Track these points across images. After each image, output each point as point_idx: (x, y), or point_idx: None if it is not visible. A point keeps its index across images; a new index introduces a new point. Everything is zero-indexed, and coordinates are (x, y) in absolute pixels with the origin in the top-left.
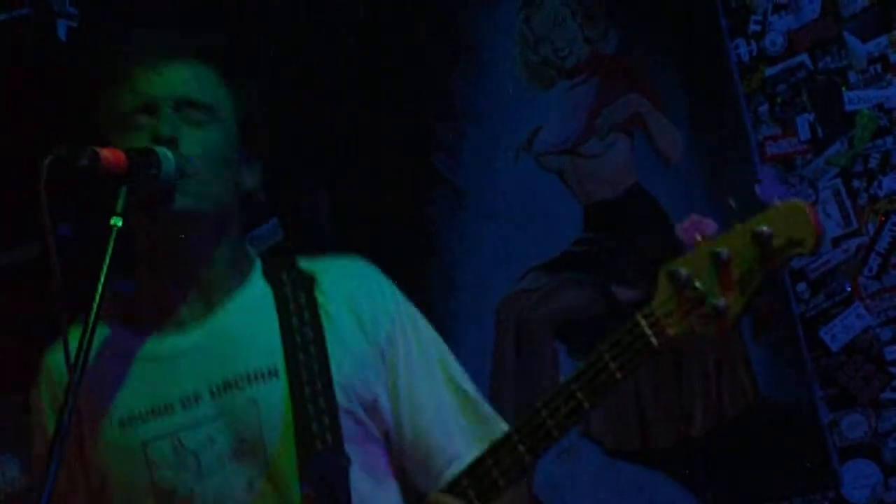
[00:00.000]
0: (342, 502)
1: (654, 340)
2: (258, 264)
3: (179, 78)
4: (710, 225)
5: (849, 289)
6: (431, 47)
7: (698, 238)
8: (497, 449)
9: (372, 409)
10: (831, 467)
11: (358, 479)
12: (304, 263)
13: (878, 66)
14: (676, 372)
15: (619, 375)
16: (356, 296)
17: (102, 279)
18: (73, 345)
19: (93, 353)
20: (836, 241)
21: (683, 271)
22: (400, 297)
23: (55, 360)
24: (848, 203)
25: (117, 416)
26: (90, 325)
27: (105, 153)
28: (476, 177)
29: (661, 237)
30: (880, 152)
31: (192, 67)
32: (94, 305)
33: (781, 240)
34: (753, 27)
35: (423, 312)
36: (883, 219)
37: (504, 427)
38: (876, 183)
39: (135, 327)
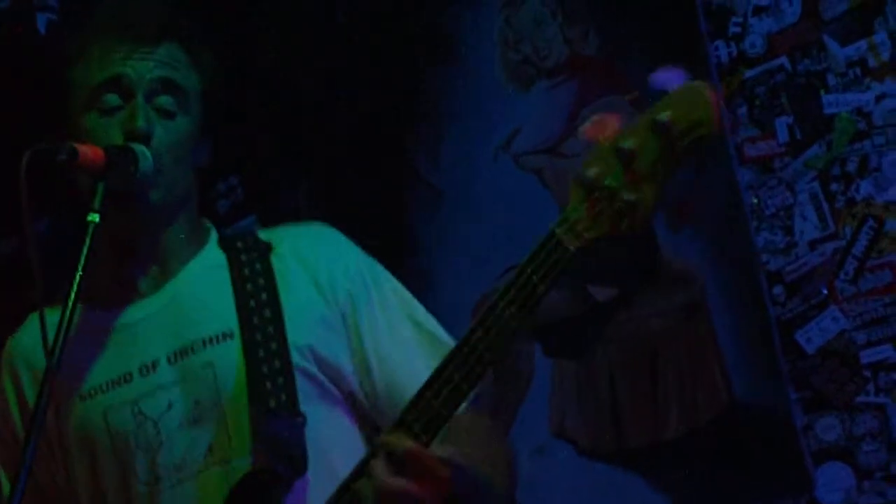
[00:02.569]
0: (297, 459)
1: (570, 246)
2: (213, 234)
3: (155, 61)
4: (613, 122)
5: (825, 292)
6: (410, 47)
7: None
8: (434, 379)
9: (334, 370)
10: (805, 470)
11: (320, 438)
12: (262, 233)
13: (858, 70)
14: (651, 373)
15: (541, 288)
16: (313, 259)
17: (79, 275)
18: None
19: (51, 333)
20: (813, 245)
21: (590, 172)
22: (360, 255)
23: (19, 346)
24: (825, 206)
25: (78, 389)
26: (66, 319)
27: (83, 149)
28: (455, 177)
29: (638, 238)
30: (858, 156)
31: (168, 49)
32: (70, 301)
33: (682, 124)
34: (733, 29)
35: None
36: (860, 223)
37: None
38: (854, 186)
39: (97, 305)
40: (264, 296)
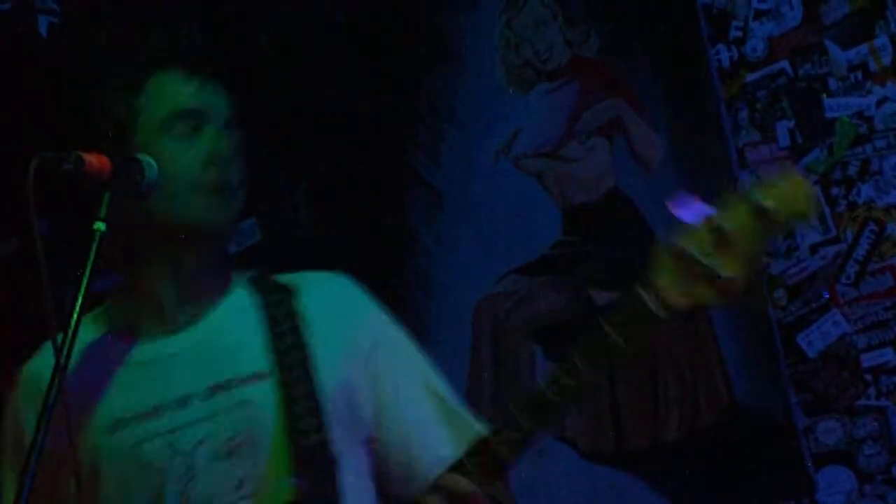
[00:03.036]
0: (332, 496)
1: (659, 313)
2: (240, 275)
3: (216, 92)
4: (700, 205)
5: (826, 296)
6: (411, 49)
7: (695, 217)
8: (500, 427)
9: (355, 414)
10: (806, 473)
11: (343, 478)
12: (283, 277)
13: (859, 74)
14: (652, 376)
15: (618, 344)
16: (336, 307)
17: (84, 284)
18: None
19: (81, 357)
20: (815, 248)
21: (684, 245)
22: (379, 309)
23: (34, 372)
24: (827, 210)
25: (108, 418)
26: (72, 330)
27: (89, 158)
28: (455, 179)
29: (639, 241)
30: (859, 160)
31: (217, 81)
32: (76, 311)
33: (783, 214)
34: (734, 33)
35: (401, 314)
36: (861, 226)
37: (481, 429)
38: (855, 190)
39: (123, 332)
40: (294, 338)
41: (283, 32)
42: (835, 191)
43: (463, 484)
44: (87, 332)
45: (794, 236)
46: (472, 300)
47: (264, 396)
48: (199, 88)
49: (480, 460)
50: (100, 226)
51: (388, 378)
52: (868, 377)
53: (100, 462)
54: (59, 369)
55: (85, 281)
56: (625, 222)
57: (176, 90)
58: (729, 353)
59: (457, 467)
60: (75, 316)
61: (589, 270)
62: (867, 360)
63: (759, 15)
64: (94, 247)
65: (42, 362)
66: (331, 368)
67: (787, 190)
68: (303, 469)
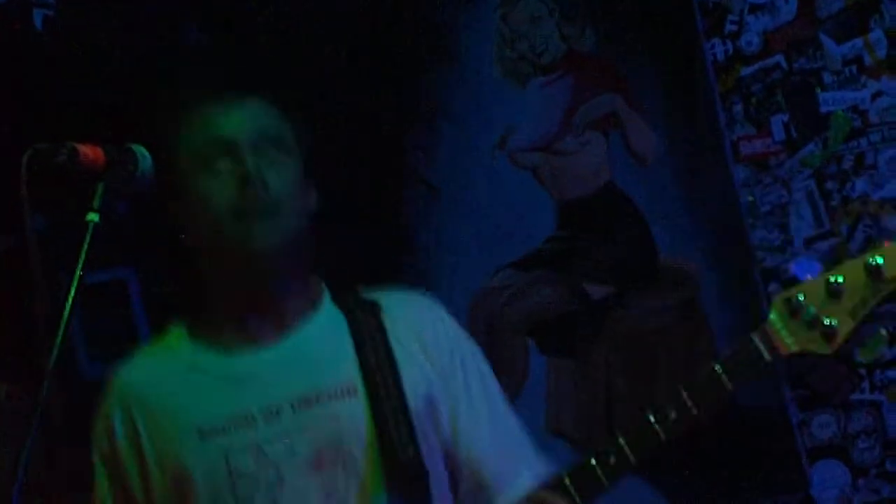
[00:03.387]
0: None
1: (766, 356)
2: (326, 291)
3: (251, 114)
4: (818, 265)
5: None
6: (407, 44)
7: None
8: (602, 452)
9: (436, 431)
10: (801, 468)
11: (433, 492)
12: (367, 294)
13: (853, 68)
14: (647, 371)
15: (729, 386)
16: (420, 324)
17: (77, 276)
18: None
19: (167, 368)
20: (809, 243)
21: (800, 297)
22: (458, 328)
23: (125, 381)
24: (821, 204)
25: (197, 427)
26: (64, 321)
27: (83, 149)
28: (451, 174)
29: (634, 236)
30: (854, 154)
31: (258, 102)
32: (69, 304)
33: (893, 272)
34: (730, 27)
35: None
36: (856, 220)
37: (532, 453)
38: (849, 184)
39: (210, 345)
40: (382, 353)
41: (281, 31)
42: (829, 185)
43: (560, 500)
44: (171, 344)
45: (787, 230)
46: (468, 295)
47: (354, 411)
48: (229, 112)
49: (579, 481)
50: (93, 217)
51: (467, 397)
52: (863, 371)
53: (189, 471)
54: (51, 365)
55: (78, 273)
56: (620, 217)
57: (205, 120)
58: (724, 348)
59: (553, 485)
60: (66, 314)
61: (584, 265)
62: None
63: (754, 9)
64: (87, 239)
65: (134, 371)
66: (415, 385)
67: None
68: (397, 483)
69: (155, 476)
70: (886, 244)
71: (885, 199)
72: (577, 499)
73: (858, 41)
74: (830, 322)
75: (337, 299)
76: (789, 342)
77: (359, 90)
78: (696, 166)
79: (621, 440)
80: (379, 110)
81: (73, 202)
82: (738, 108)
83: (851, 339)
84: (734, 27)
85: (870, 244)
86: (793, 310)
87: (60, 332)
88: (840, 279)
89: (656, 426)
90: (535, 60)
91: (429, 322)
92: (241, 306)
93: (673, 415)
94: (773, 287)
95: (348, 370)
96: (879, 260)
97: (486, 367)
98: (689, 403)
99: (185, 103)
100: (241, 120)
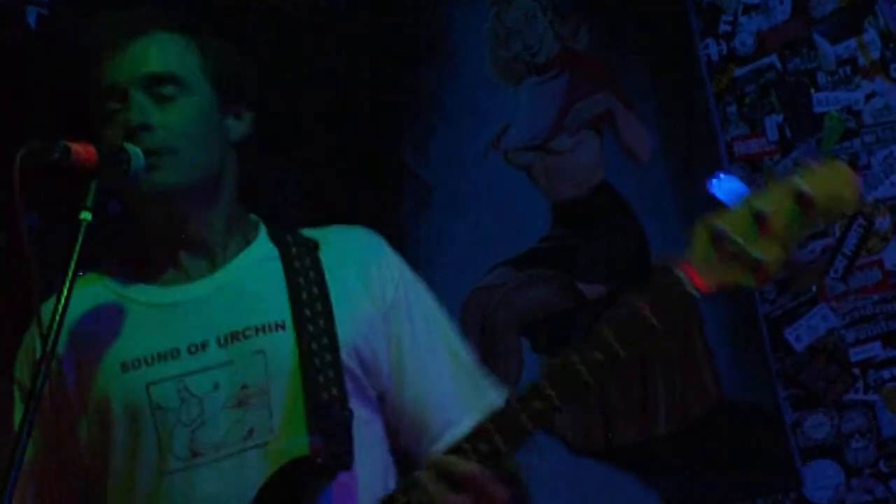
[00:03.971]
0: (346, 454)
1: (693, 291)
2: (262, 227)
3: (143, 54)
4: (740, 185)
5: (814, 290)
6: (401, 42)
7: (734, 198)
8: (524, 395)
9: (372, 369)
10: (794, 467)
11: (357, 435)
12: (307, 231)
13: (847, 69)
14: (641, 371)
15: (657, 324)
16: (361, 260)
17: (71, 273)
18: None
19: (96, 298)
20: (802, 242)
21: (722, 226)
22: (403, 264)
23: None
24: None
25: (120, 359)
26: (57, 317)
27: (76, 148)
28: (445, 173)
29: (628, 235)
30: (848, 154)
31: (156, 40)
32: (62, 301)
33: (824, 200)
34: (724, 27)
35: None
36: (850, 221)
37: (497, 396)
38: None
39: (144, 279)
40: (315, 290)
41: (277, 29)
42: None
43: (462, 465)
44: (104, 276)
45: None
46: (463, 293)
47: (282, 347)
48: (122, 55)
49: (500, 428)
50: (86, 215)
51: (408, 333)
52: (856, 371)
53: (110, 403)
54: (46, 357)
55: (71, 271)
56: (614, 216)
57: (104, 66)
58: (717, 348)
59: (455, 449)
60: (59, 312)
61: (577, 264)
62: (855, 354)
63: (748, 9)
64: (80, 236)
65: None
66: (350, 322)
67: (830, 177)
68: (318, 424)
69: (75, 406)
70: (814, 168)
71: (878, 200)
72: (502, 444)
73: (853, 42)
74: (757, 254)
75: (273, 236)
76: (714, 275)
77: (352, 88)
78: (690, 166)
79: (545, 382)
80: (372, 108)
81: (66, 200)
82: (733, 108)
83: (784, 269)
84: (728, 27)
85: (863, 245)
86: (716, 239)
87: (54, 331)
88: (765, 206)
89: (580, 367)
90: (530, 59)
91: (371, 260)
92: (169, 245)
93: (598, 356)
94: (766, 287)
95: (278, 306)
96: (804, 182)
97: (433, 303)
98: (616, 345)
99: (87, 51)
100: (131, 60)
